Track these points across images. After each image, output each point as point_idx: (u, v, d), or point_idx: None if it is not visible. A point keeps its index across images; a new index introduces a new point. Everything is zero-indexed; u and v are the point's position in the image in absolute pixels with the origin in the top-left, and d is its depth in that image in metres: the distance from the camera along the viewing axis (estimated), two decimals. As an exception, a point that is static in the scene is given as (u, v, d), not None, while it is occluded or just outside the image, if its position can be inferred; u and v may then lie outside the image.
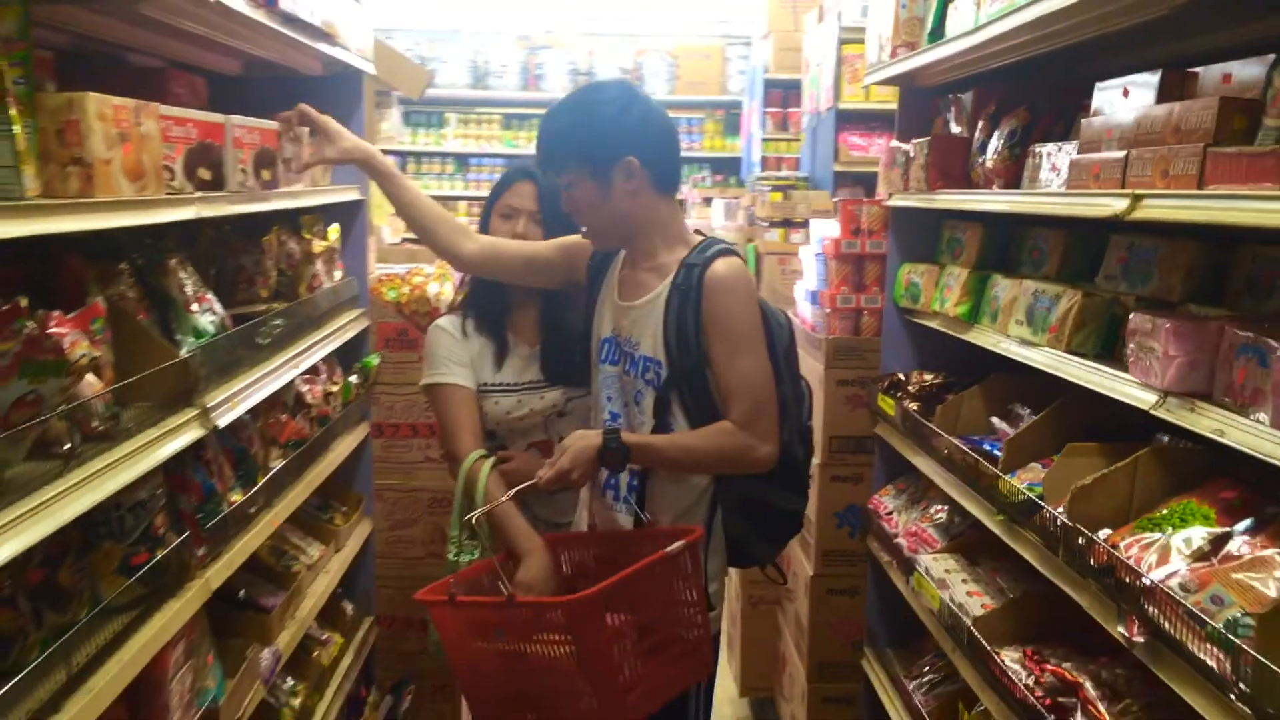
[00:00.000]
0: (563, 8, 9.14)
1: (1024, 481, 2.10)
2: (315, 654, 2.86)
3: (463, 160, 9.17)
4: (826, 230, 3.30)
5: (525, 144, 8.99)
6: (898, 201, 2.91)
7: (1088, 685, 1.84)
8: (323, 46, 2.67)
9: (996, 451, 2.26)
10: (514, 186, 2.41)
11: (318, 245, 2.88)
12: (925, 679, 2.83)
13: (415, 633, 3.39)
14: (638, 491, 2.11)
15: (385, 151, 2.91)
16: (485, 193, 9.46)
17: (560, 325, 2.38)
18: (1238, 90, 1.75)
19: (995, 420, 2.46)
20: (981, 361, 2.58)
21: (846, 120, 5.43)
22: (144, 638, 1.68)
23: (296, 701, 2.66)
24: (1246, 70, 1.74)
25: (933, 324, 2.78)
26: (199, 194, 1.91)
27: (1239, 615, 1.38)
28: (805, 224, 4.52)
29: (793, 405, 2.13)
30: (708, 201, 7.23)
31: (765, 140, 7.59)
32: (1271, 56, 1.50)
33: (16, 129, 1.32)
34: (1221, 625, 1.39)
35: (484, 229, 2.43)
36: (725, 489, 2.12)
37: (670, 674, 1.96)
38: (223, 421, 1.93)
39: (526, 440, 2.42)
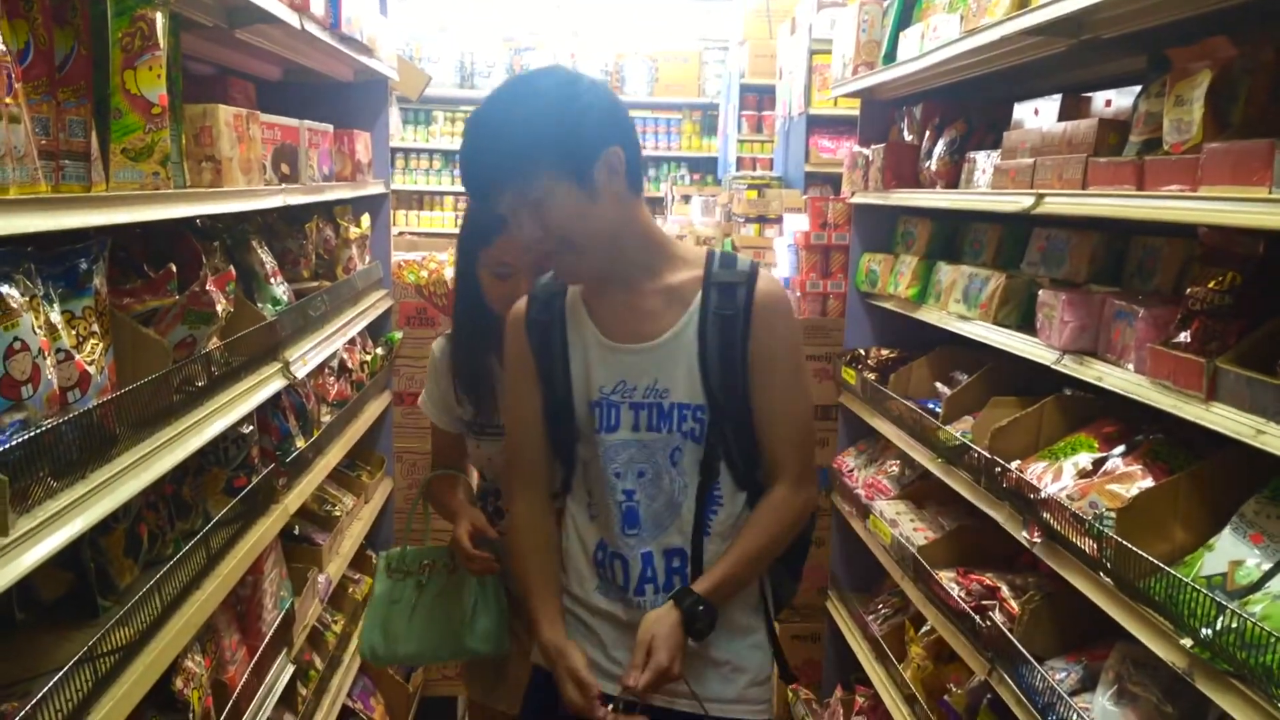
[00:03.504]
0: (547, 11, 9.55)
1: (958, 430, 2.55)
2: (350, 590, 3.26)
3: (449, 156, 9.54)
4: (798, 224, 3.74)
5: (511, 142, 9.39)
6: (859, 199, 3.36)
7: (1004, 589, 2.30)
8: (363, 58, 3.07)
9: (938, 409, 2.71)
10: (506, 239, 1.91)
11: (353, 232, 3.29)
12: (880, 612, 3.28)
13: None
14: (685, 576, 1.69)
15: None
16: (474, 188, 9.72)
17: None
18: (1115, 113, 2.19)
19: (938, 385, 2.90)
20: (929, 336, 3.03)
21: (817, 124, 5.86)
22: (248, 543, 2.09)
23: (337, 628, 3.07)
24: (1122, 98, 2.19)
25: (888, 305, 3.23)
26: (283, 185, 2.31)
27: (1106, 512, 1.83)
28: (779, 220, 4.95)
29: None
30: (686, 199, 7.64)
31: (741, 141, 8.04)
32: (1139, 87, 1.94)
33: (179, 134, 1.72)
34: (1096, 521, 1.84)
35: (467, 272, 2.03)
36: None
37: None
38: (300, 374, 2.34)
39: None
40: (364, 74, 3.41)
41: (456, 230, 8.96)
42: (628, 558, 1.69)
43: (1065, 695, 1.95)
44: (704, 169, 9.33)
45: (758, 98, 7.69)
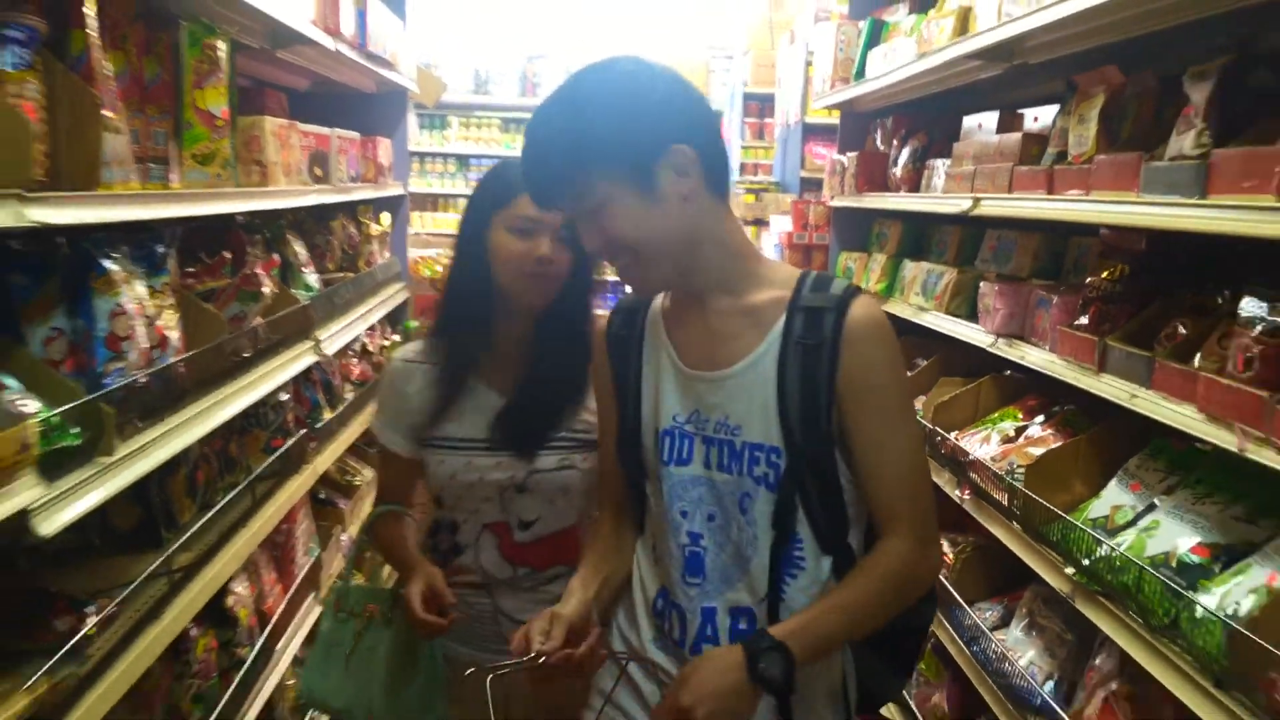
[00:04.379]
0: (560, 20, 9.88)
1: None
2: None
3: (464, 160, 9.87)
4: (783, 226, 4.05)
5: (522, 147, 9.74)
6: (837, 202, 3.67)
7: (945, 545, 2.60)
8: (385, 72, 3.40)
9: (898, 390, 3.01)
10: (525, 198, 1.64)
11: (375, 229, 3.62)
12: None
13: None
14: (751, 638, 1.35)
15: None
16: (487, 191, 10.03)
17: (550, 378, 1.78)
18: (1040, 128, 2.50)
19: (902, 370, 3.21)
20: (897, 327, 3.31)
21: (812, 132, 6.16)
22: (283, 495, 2.41)
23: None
24: (1046, 115, 2.49)
25: (862, 299, 3.53)
26: (316, 185, 2.64)
27: (1017, 469, 2.13)
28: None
29: None
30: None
31: (744, 148, 8.36)
32: (1058, 106, 2.25)
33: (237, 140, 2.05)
34: (1008, 475, 2.15)
35: (474, 238, 1.74)
36: None
37: None
38: (329, 351, 2.66)
39: (478, 519, 1.81)
40: (385, 85, 3.74)
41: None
42: (686, 610, 1.47)
43: (987, 630, 2.25)
44: (709, 174, 9.62)
45: (760, 106, 8.00)
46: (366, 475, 3.55)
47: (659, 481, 1.49)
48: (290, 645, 2.49)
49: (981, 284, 2.55)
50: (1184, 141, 1.64)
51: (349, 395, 3.17)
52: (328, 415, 2.86)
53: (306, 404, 2.72)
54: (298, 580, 2.56)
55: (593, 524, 1.68)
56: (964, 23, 2.41)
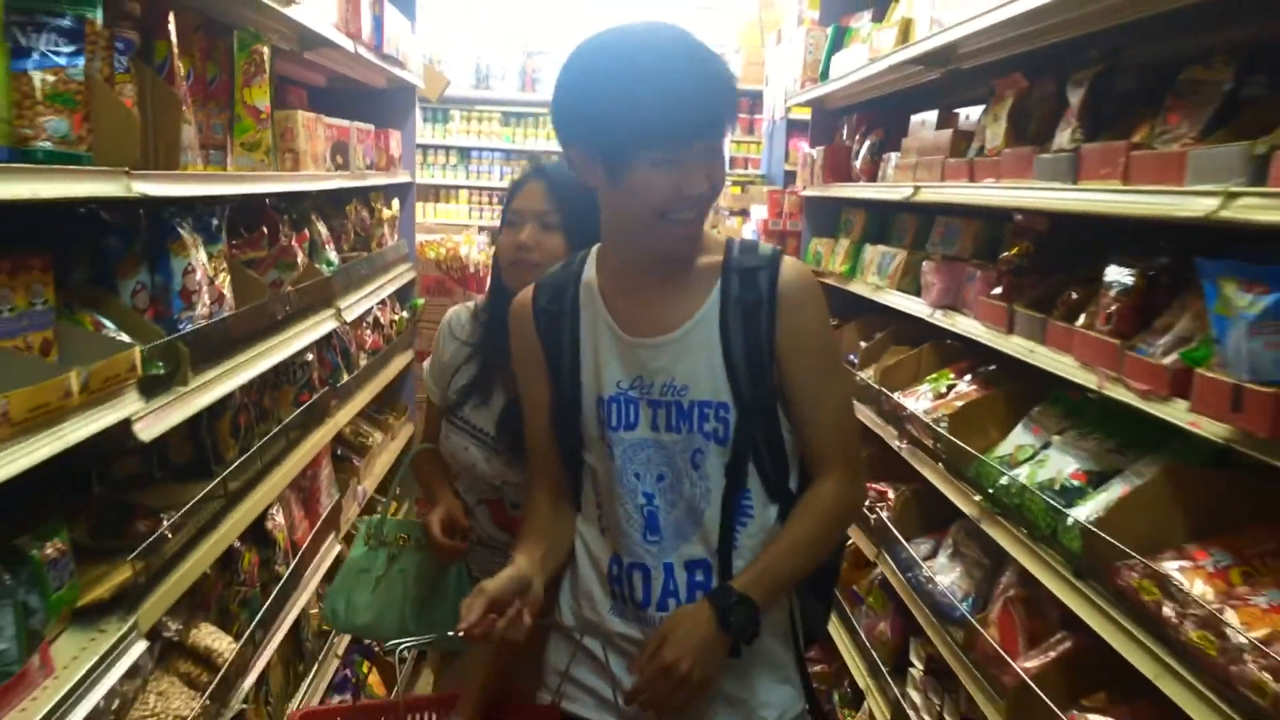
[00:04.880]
0: (558, 17, 10.20)
1: (866, 374, 3.21)
2: (379, 510, 3.93)
3: (465, 153, 10.19)
4: (761, 214, 4.40)
5: (522, 139, 10.07)
6: (807, 192, 4.02)
7: (889, 491, 2.96)
8: (396, 71, 3.74)
9: (855, 359, 3.37)
10: (522, 190, 1.90)
11: (385, 214, 3.97)
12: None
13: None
14: (695, 590, 1.51)
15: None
16: (485, 182, 10.45)
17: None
18: (970, 126, 2.84)
19: (861, 343, 3.56)
20: (860, 306, 3.68)
21: (795, 127, 6.50)
22: (310, 442, 2.76)
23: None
24: (976, 114, 2.84)
25: (829, 281, 3.88)
26: (337, 172, 2.98)
27: (943, 417, 2.49)
28: (756, 211, 5.60)
29: None
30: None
31: (734, 142, 8.71)
32: (984, 106, 2.60)
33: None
34: (935, 424, 2.50)
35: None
36: None
37: None
38: (349, 318, 3.01)
39: (475, 494, 2.01)
40: (395, 82, 4.09)
41: (469, 222, 9.50)
42: (650, 567, 1.52)
43: (919, 560, 2.61)
44: (701, 167, 9.95)
45: (750, 102, 8.32)
46: (377, 438, 3.90)
47: (608, 448, 1.52)
48: (315, 575, 2.85)
49: (924, 263, 2.90)
50: (1063, 137, 1.99)
51: (363, 362, 3.52)
52: (346, 378, 3.21)
53: (328, 365, 3.07)
54: (321, 518, 2.91)
55: (527, 502, 1.67)
56: (905, 32, 2.75)
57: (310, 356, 2.86)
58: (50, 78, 1.40)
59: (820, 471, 1.54)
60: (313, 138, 2.68)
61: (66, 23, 1.44)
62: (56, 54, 1.42)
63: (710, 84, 1.38)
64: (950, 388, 2.68)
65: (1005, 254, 2.43)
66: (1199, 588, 1.56)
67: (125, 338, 1.70)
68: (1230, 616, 1.47)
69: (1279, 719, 1.29)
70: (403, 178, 4.12)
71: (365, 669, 3.41)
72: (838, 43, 3.53)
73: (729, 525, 1.51)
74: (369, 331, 3.67)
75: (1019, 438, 2.29)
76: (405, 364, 4.26)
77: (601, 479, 1.56)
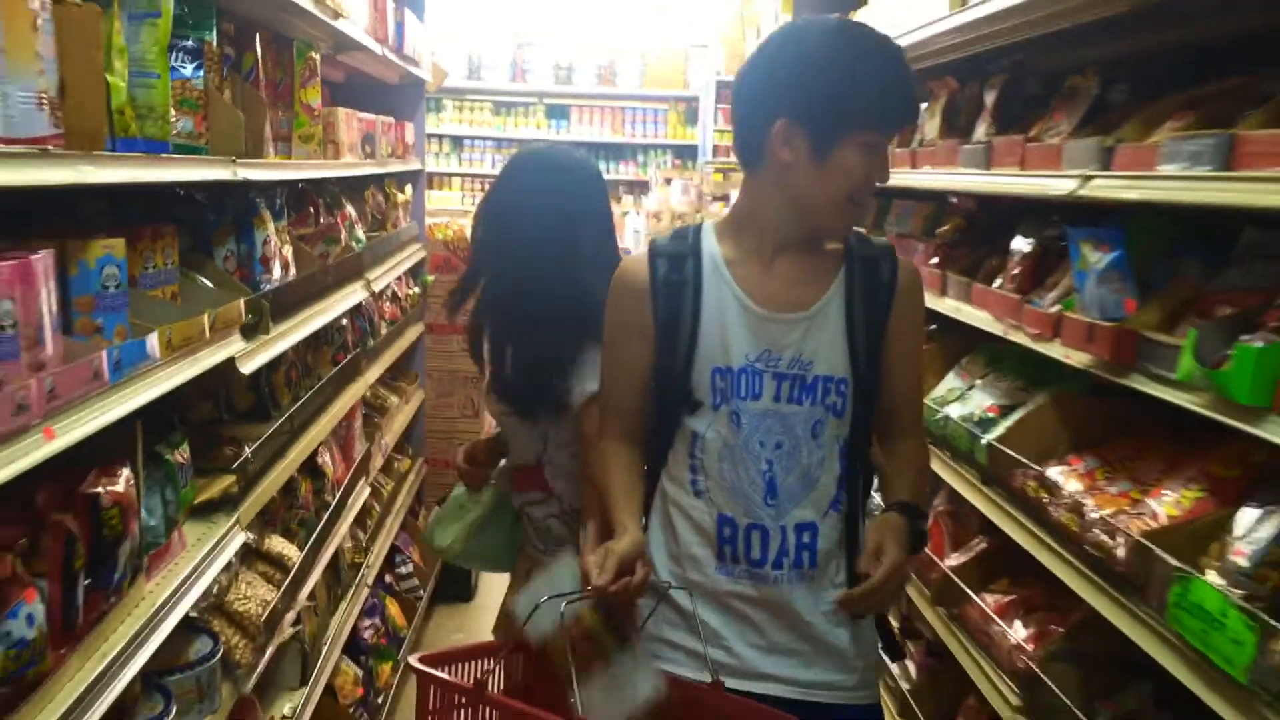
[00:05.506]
0: (548, 11, 10.60)
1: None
2: (396, 465, 4.37)
3: (457, 141, 10.58)
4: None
5: (513, 128, 10.47)
6: (781, 178, 4.46)
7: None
8: (410, 68, 4.15)
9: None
10: None
11: (399, 198, 4.39)
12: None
13: (453, 469, 4.90)
14: (814, 551, 1.63)
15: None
16: (477, 170, 10.90)
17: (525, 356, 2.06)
18: (921, 120, 3.28)
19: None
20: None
21: (774, 118, 6.94)
22: (346, 395, 3.19)
23: (385, 491, 4.17)
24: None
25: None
26: (367, 160, 3.41)
27: (890, 369, 2.93)
28: (734, 196, 6.05)
29: None
30: (668, 181, 8.75)
31: (717, 131, 9.13)
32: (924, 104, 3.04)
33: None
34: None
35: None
36: None
37: None
38: (376, 288, 3.43)
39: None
40: (408, 78, 4.50)
41: (463, 208, 9.90)
42: (769, 529, 1.62)
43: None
44: (686, 155, 10.38)
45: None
46: (394, 400, 4.33)
47: (734, 416, 1.61)
48: (350, 512, 3.27)
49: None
50: (980, 131, 2.44)
51: (383, 331, 3.95)
52: (372, 341, 3.64)
53: (358, 331, 3.49)
54: (355, 464, 3.34)
55: (602, 456, 1.73)
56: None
57: (345, 322, 3.28)
58: (181, 87, 1.82)
59: (906, 433, 1.75)
60: (349, 130, 3.10)
61: (191, 44, 1.86)
62: (184, 69, 1.84)
63: (917, 86, 1.57)
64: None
65: (940, 229, 2.88)
66: (1071, 485, 2.02)
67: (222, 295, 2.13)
68: (1089, 502, 1.92)
69: (1111, 563, 1.75)
70: (414, 165, 4.54)
71: (386, 600, 3.85)
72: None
73: (841, 489, 1.64)
74: (388, 304, 4.09)
75: (950, 382, 2.74)
76: (417, 335, 4.68)
77: (713, 445, 1.63)
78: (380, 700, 3.45)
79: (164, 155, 1.68)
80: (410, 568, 4.27)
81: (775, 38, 1.59)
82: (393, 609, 3.89)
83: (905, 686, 2.74)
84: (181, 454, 1.97)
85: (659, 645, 1.67)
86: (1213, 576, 1.51)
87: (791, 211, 1.59)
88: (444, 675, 1.56)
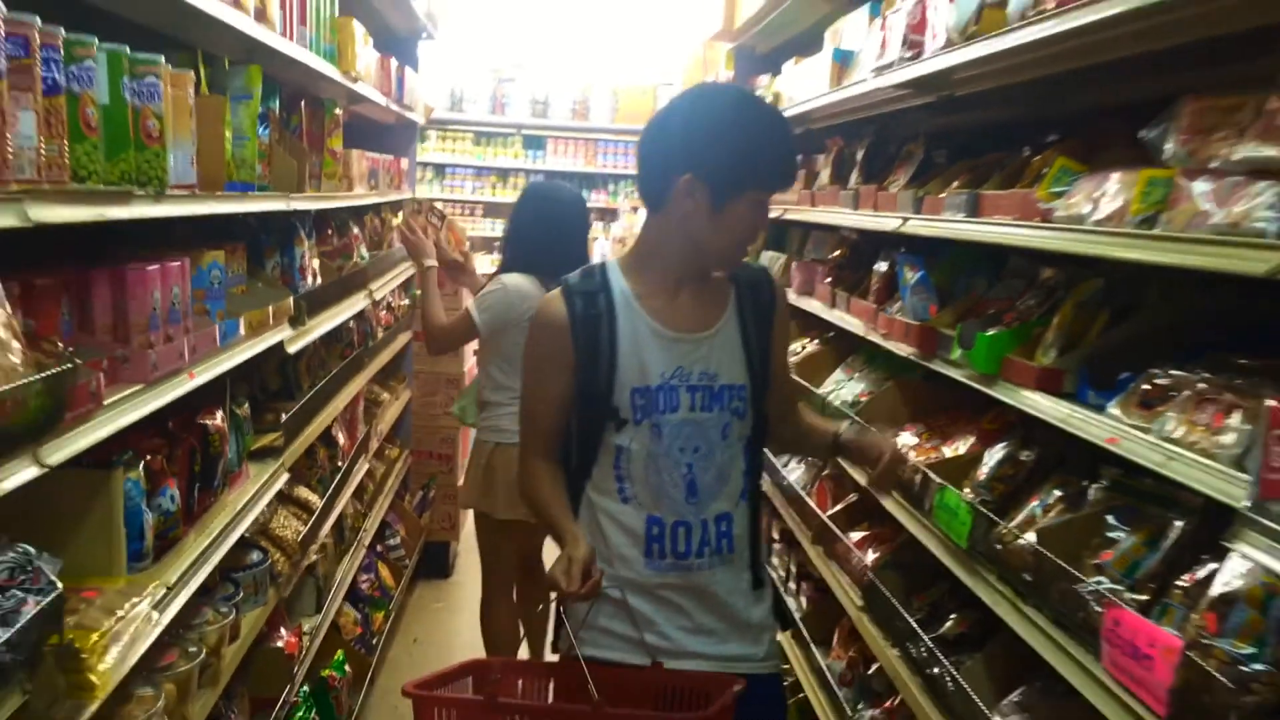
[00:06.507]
0: (526, 47, 11.36)
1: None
2: (387, 452, 5.05)
3: (440, 169, 11.28)
4: (689, 227, 5.58)
5: (492, 157, 11.20)
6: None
7: (767, 426, 4.15)
8: (406, 113, 4.88)
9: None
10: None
11: (394, 222, 5.09)
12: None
13: (435, 460, 5.59)
14: (730, 537, 1.90)
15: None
16: (459, 196, 11.64)
17: None
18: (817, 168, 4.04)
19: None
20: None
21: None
22: (354, 384, 3.88)
23: (378, 473, 4.85)
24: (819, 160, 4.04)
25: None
26: (372, 191, 4.12)
27: (794, 365, 3.67)
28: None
29: None
30: (635, 209, 9.47)
31: (680, 164, 9.86)
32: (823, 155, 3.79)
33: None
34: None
35: None
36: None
37: None
38: (377, 297, 4.14)
39: None
40: (402, 120, 5.22)
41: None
42: (691, 524, 1.84)
43: (780, 468, 3.78)
44: (653, 185, 11.11)
45: (693, 130, 9.49)
46: (386, 397, 5.02)
47: (655, 429, 1.82)
48: (354, 477, 3.96)
49: (793, 265, 4.09)
50: (853, 179, 3.19)
51: (380, 334, 4.65)
52: (372, 342, 4.34)
53: (361, 333, 4.19)
54: (358, 441, 4.03)
55: (534, 474, 1.92)
56: (777, 100, 3.95)
57: (351, 324, 3.98)
58: (257, 143, 2.54)
59: (795, 407, 2.16)
60: (359, 167, 3.82)
61: (263, 110, 2.57)
62: (258, 129, 2.55)
63: (797, 155, 1.88)
64: (804, 346, 3.87)
65: (833, 255, 3.63)
66: (906, 443, 2.74)
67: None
68: (911, 454, 2.64)
69: (911, 490, 2.47)
70: (406, 194, 5.25)
71: (378, 563, 4.53)
72: (741, 100, 4.74)
73: (746, 481, 1.91)
74: (384, 312, 4.79)
75: (837, 376, 3.48)
76: (406, 341, 5.38)
77: (637, 455, 1.84)
78: (375, 641, 4.13)
79: (250, 193, 2.39)
80: (398, 540, 4.95)
81: (686, 100, 1.85)
82: (384, 571, 4.56)
83: (798, 615, 3.45)
84: (244, 411, 2.66)
85: (598, 634, 1.86)
86: (967, 491, 2.24)
87: (691, 250, 1.85)
88: (450, 694, 1.69)
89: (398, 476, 5.18)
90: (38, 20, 1.40)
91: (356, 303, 3.84)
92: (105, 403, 1.59)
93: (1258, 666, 1.37)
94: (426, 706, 1.62)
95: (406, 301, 5.33)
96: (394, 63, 4.16)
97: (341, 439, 3.81)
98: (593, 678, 1.60)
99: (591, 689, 1.59)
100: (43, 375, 1.32)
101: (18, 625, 1.33)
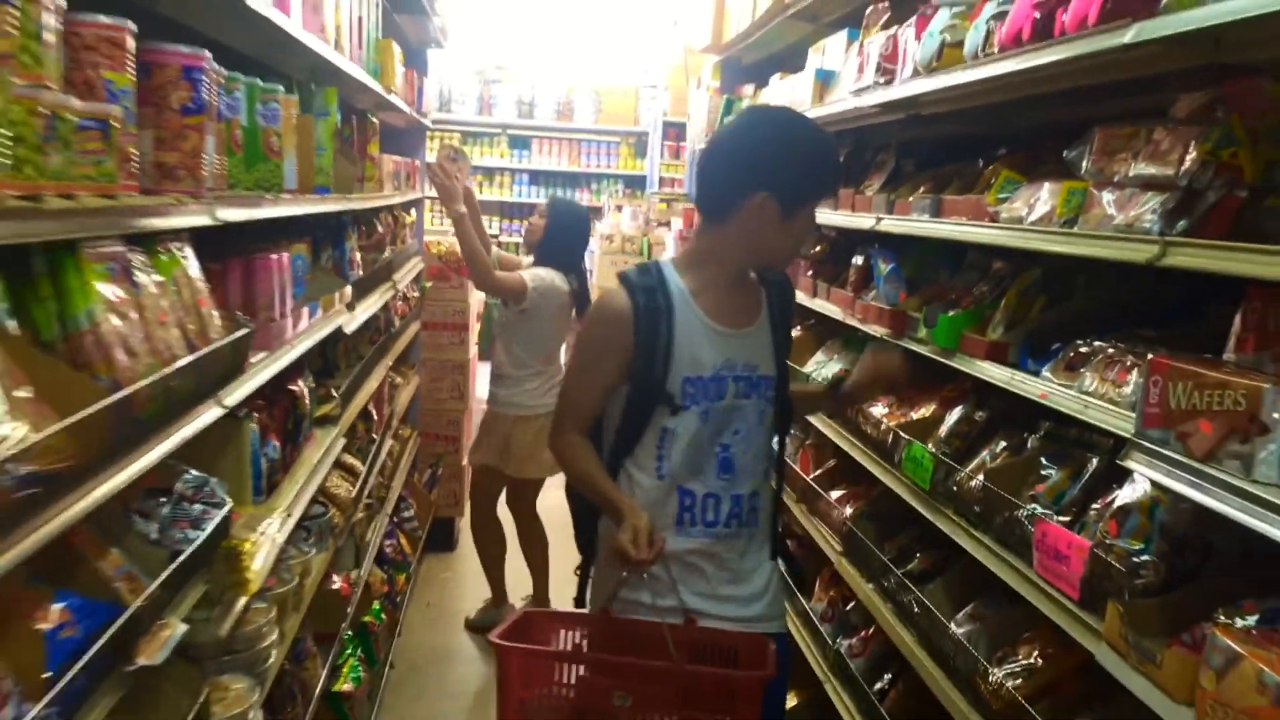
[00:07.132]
0: (511, 50, 11.74)
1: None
2: (401, 433, 5.46)
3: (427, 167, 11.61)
4: (678, 225, 6.02)
5: (479, 157, 11.58)
6: (711, 210, 5.66)
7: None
8: (420, 119, 5.28)
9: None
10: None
11: (406, 220, 5.50)
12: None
13: (441, 441, 6.00)
14: (757, 510, 2.16)
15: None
16: (456, 194, 11.59)
17: None
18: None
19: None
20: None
21: (711, 157, 8.13)
22: (382, 366, 4.29)
23: (395, 452, 5.26)
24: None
25: (724, 272, 5.53)
26: (396, 192, 4.53)
27: (779, 349, 4.12)
28: (675, 223, 7.21)
29: None
30: (619, 208, 9.91)
31: (663, 164, 10.32)
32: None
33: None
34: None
35: None
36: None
37: None
38: (400, 289, 4.54)
39: None
40: (413, 123, 5.62)
41: (435, 228, 10.90)
42: (721, 497, 2.05)
43: (767, 438, 4.23)
44: (636, 185, 11.56)
45: (676, 131, 9.93)
46: (400, 382, 5.43)
47: (703, 414, 2.01)
48: (384, 450, 4.36)
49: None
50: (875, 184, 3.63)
51: (398, 323, 5.05)
52: (394, 330, 4.75)
53: (385, 323, 4.60)
54: (385, 419, 4.44)
55: (575, 449, 2.11)
56: (764, 113, 4.39)
57: (380, 314, 4.39)
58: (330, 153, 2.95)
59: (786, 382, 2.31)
60: (388, 169, 4.23)
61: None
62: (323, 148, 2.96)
63: None
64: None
65: (813, 251, 4.08)
66: (879, 411, 3.20)
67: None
68: (884, 421, 3.09)
69: (883, 447, 2.92)
70: (416, 195, 5.66)
71: (398, 532, 4.95)
72: (728, 109, 5.18)
73: (772, 463, 2.20)
74: (401, 303, 5.20)
75: (818, 358, 3.93)
76: (416, 330, 5.79)
77: (682, 437, 2.03)
78: (399, 599, 4.55)
79: (325, 195, 2.80)
80: (412, 512, 5.37)
81: (746, 125, 2.04)
82: (402, 539, 4.98)
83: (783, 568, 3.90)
84: (310, 383, 3.07)
85: (622, 604, 2.05)
86: (930, 446, 2.69)
87: (750, 255, 2.07)
88: (534, 647, 1.90)
89: (409, 455, 5.58)
90: (220, 68, 1.82)
91: (386, 293, 4.25)
92: (250, 363, 2.01)
93: (1146, 558, 1.83)
94: (515, 657, 1.81)
95: (417, 294, 5.74)
96: (415, 74, 4.57)
97: (375, 415, 4.22)
98: (632, 633, 1.89)
99: (671, 648, 1.81)
100: (234, 336, 1.74)
101: (206, 531, 1.75)
